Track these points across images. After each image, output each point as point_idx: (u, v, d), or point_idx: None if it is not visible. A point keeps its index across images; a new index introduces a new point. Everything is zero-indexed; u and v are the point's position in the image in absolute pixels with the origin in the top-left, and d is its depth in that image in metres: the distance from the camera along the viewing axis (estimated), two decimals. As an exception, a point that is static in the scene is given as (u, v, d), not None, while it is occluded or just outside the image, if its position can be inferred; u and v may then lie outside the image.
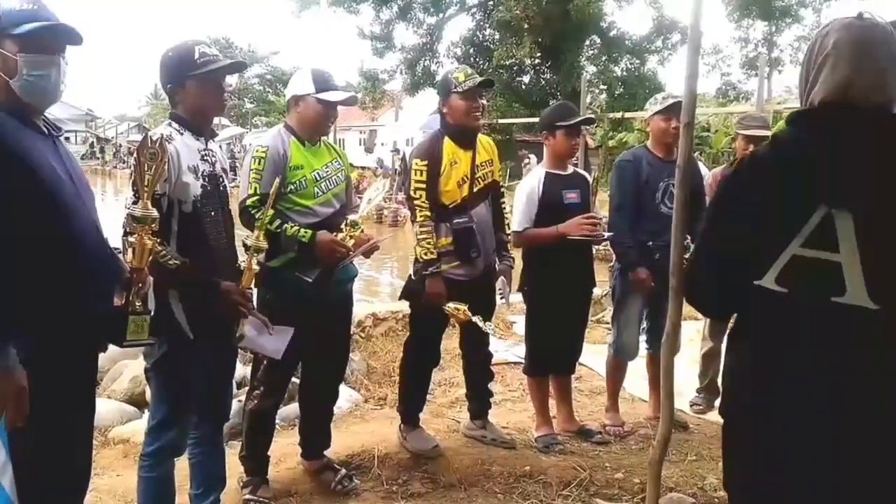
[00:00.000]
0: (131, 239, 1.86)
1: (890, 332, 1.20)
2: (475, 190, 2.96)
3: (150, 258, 1.88)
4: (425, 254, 2.88)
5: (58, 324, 1.66)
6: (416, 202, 2.91)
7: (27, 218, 1.59)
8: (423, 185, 2.90)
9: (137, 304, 1.84)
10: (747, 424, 1.33)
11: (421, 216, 2.89)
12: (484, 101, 2.99)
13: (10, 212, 1.56)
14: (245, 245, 2.30)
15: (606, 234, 3.21)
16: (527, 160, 16.87)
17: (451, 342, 3.70)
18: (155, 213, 1.89)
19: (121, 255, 1.88)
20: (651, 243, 3.18)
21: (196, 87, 2.11)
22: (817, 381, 1.23)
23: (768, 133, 3.84)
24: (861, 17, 1.30)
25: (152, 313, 1.90)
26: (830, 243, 1.21)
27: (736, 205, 1.33)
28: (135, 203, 1.90)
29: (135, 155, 1.92)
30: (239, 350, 2.47)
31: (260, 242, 2.25)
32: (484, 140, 3.10)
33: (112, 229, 1.92)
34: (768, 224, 1.27)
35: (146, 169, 1.88)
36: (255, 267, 2.22)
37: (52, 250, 1.64)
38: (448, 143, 2.95)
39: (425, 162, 2.90)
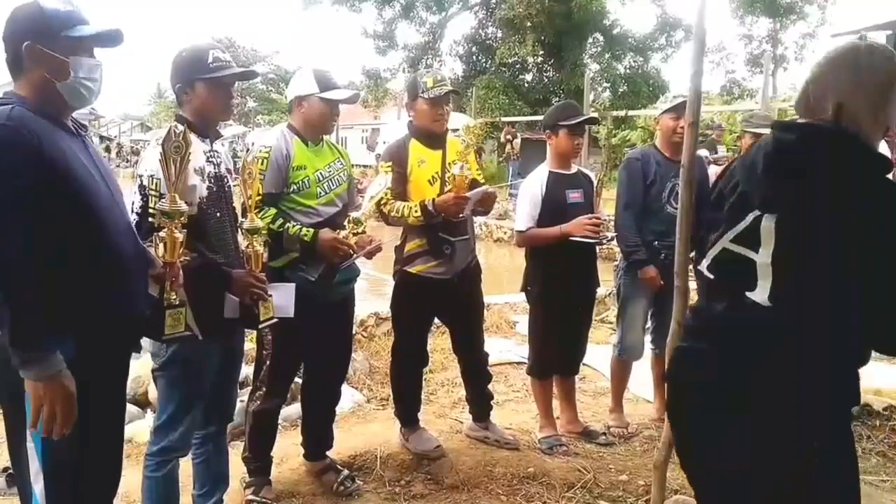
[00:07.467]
0: (161, 234, 1.86)
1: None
2: (447, 188, 2.94)
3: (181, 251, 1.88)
4: (411, 213, 2.83)
5: (99, 326, 1.62)
6: (380, 202, 2.86)
7: (65, 219, 1.55)
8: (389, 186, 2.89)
9: (173, 297, 1.85)
10: None
11: (388, 207, 2.87)
12: (449, 108, 2.99)
13: (47, 214, 1.51)
14: (242, 230, 2.24)
15: (610, 235, 3.19)
16: (509, 137, 16.56)
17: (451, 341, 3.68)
18: (184, 206, 1.89)
19: (151, 250, 1.87)
20: (657, 243, 3.17)
21: (205, 90, 2.11)
22: None
23: None
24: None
25: (186, 304, 1.90)
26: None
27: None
28: (161, 198, 1.91)
29: (160, 149, 1.90)
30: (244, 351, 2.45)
31: (255, 223, 2.21)
32: (454, 141, 3.07)
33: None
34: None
35: (172, 161, 1.87)
36: (260, 248, 2.19)
37: (90, 251, 1.59)
38: (414, 144, 2.96)
39: (389, 163, 2.92)
